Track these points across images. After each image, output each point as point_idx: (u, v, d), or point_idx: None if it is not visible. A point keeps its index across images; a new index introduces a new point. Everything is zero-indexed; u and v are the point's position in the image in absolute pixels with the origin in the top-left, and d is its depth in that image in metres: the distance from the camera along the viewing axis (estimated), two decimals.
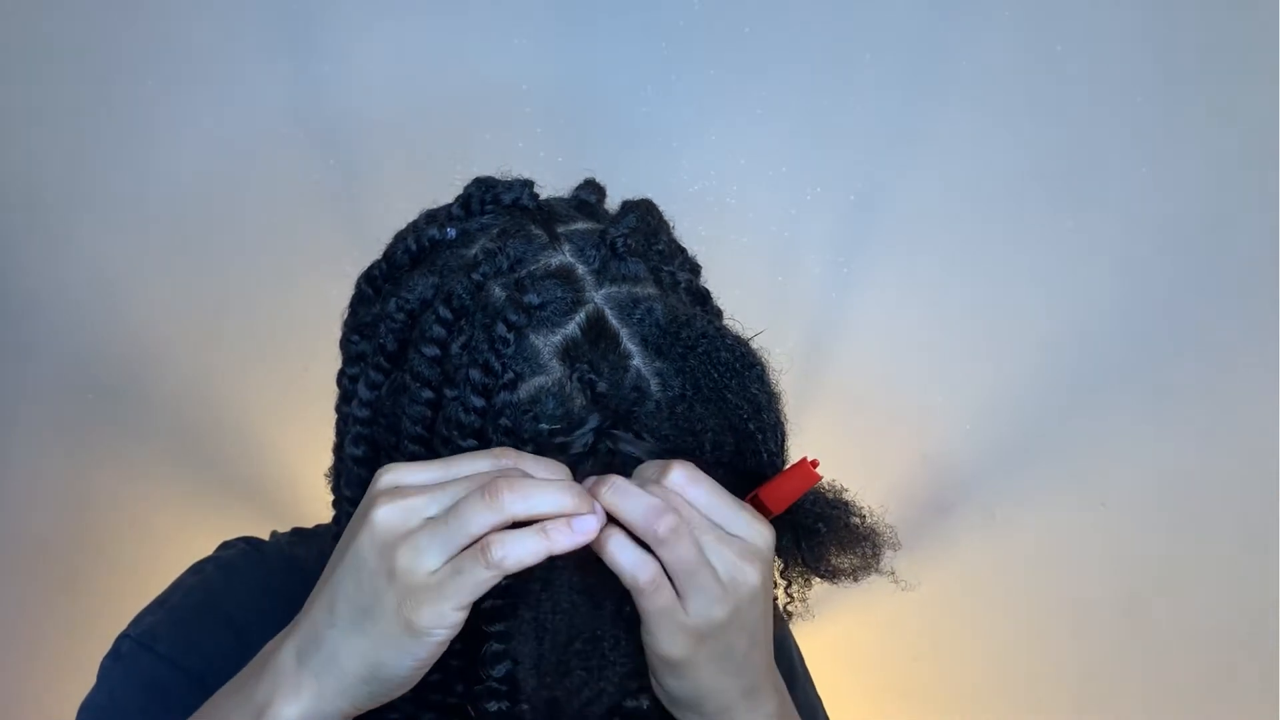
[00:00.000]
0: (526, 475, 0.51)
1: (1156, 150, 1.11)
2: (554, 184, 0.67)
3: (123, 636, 0.66)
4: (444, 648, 0.51)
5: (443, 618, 0.49)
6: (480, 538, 0.49)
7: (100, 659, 0.66)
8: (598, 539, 0.51)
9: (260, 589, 0.68)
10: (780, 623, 0.65)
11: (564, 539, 0.50)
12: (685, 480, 0.53)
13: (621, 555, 0.52)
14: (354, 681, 0.51)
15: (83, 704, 0.64)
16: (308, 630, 0.53)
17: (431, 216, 0.63)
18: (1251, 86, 1.07)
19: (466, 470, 0.52)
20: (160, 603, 0.69)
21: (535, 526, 0.50)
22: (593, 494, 0.52)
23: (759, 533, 0.54)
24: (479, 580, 0.49)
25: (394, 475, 0.52)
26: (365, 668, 0.51)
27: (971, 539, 1.21)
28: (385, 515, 0.50)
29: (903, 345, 1.19)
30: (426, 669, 0.52)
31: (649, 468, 0.54)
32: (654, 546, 0.51)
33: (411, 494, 0.50)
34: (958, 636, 1.24)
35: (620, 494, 0.52)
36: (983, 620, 1.23)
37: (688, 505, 0.53)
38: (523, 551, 0.49)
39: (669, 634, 0.53)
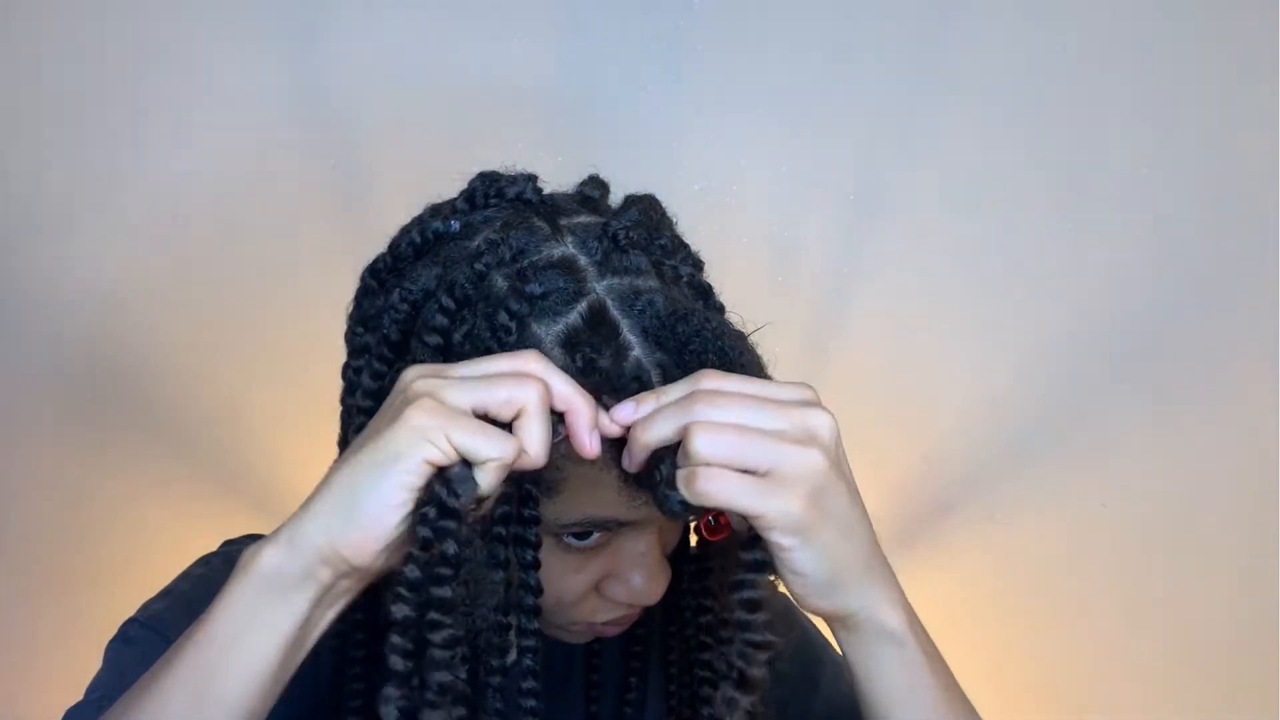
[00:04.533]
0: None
1: (1156, 150, 1.11)
2: (554, 184, 0.67)
3: (130, 621, 0.66)
4: (405, 510, 0.49)
5: (431, 432, 0.49)
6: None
7: (98, 658, 0.65)
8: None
9: None
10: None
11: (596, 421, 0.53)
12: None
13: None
14: (333, 505, 0.50)
15: (90, 685, 0.64)
16: (327, 473, 0.53)
17: (435, 210, 0.64)
18: (1251, 86, 1.07)
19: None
20: (167, 592, 0.69)
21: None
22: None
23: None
24: (487, 441, 0.49)
25: None
26: (347, 488, 0.50)
27: (971, 539, 1.20)
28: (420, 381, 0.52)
29: (902, 345, 1.19)
30: (388, 535, 0.50)
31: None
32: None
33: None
34: (957, 636, 1.23)
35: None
36: (983, 620, 1.22)
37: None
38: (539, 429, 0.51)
39: (783, 494, 0.51)
